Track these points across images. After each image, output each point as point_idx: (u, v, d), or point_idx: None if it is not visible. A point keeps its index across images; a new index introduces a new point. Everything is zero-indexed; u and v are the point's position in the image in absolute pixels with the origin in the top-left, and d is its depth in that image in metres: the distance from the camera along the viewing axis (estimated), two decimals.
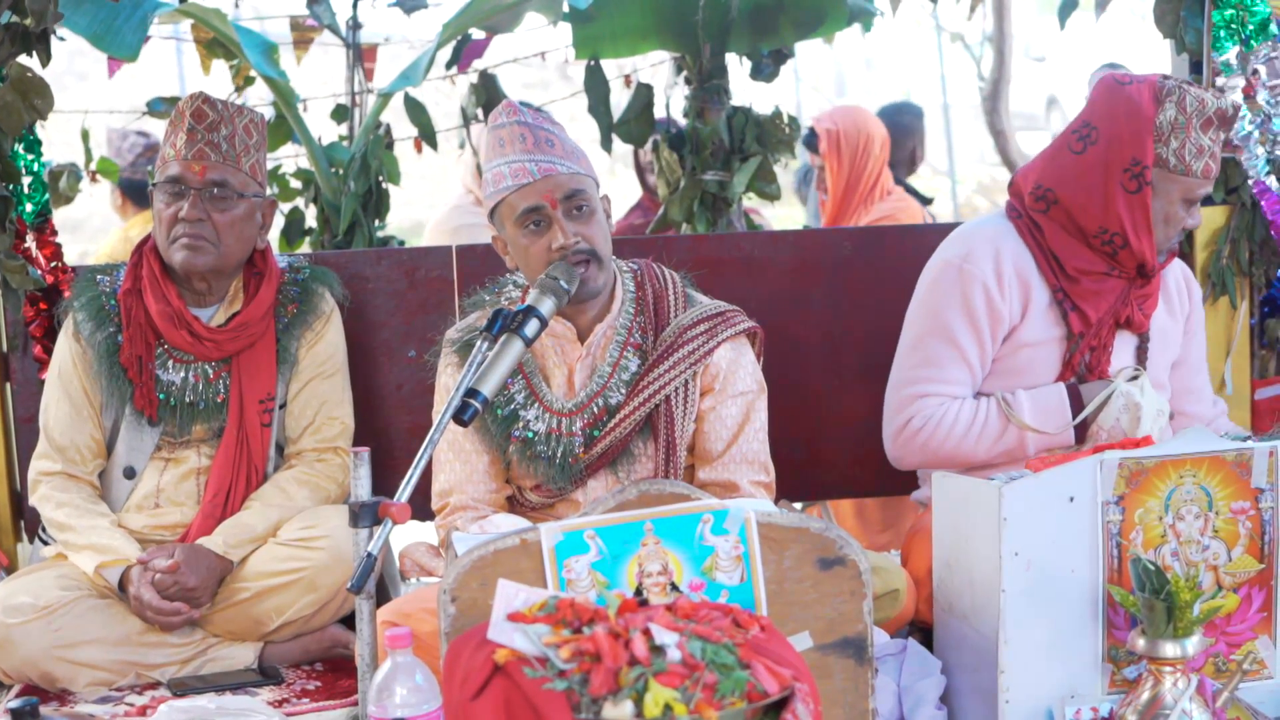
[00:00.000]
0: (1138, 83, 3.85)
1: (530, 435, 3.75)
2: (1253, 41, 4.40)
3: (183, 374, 4.07)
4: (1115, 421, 3.78)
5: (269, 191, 4.20)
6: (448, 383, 3.84)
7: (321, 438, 4.15)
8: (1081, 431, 3.84)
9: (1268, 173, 4.47)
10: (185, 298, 4.09)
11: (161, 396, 4.06)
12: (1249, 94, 4.44)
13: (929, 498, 4.02)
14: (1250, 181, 4.49)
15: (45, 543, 4.13)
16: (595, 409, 3.75)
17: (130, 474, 4.08)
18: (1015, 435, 3.84)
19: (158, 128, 7.09)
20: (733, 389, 3.79)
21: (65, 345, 4.12)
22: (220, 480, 4.05)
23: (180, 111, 4.07)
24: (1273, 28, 4.41)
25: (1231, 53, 4.43)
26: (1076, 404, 3.84)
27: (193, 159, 4.00)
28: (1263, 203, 4.48)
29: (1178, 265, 4.14)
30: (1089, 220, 3.86)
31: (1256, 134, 4.43)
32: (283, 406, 4.16)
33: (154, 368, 4.06)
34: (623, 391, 3.75)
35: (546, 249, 3.64)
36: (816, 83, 17.44)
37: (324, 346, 4.18)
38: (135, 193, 7.27)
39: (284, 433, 4.18)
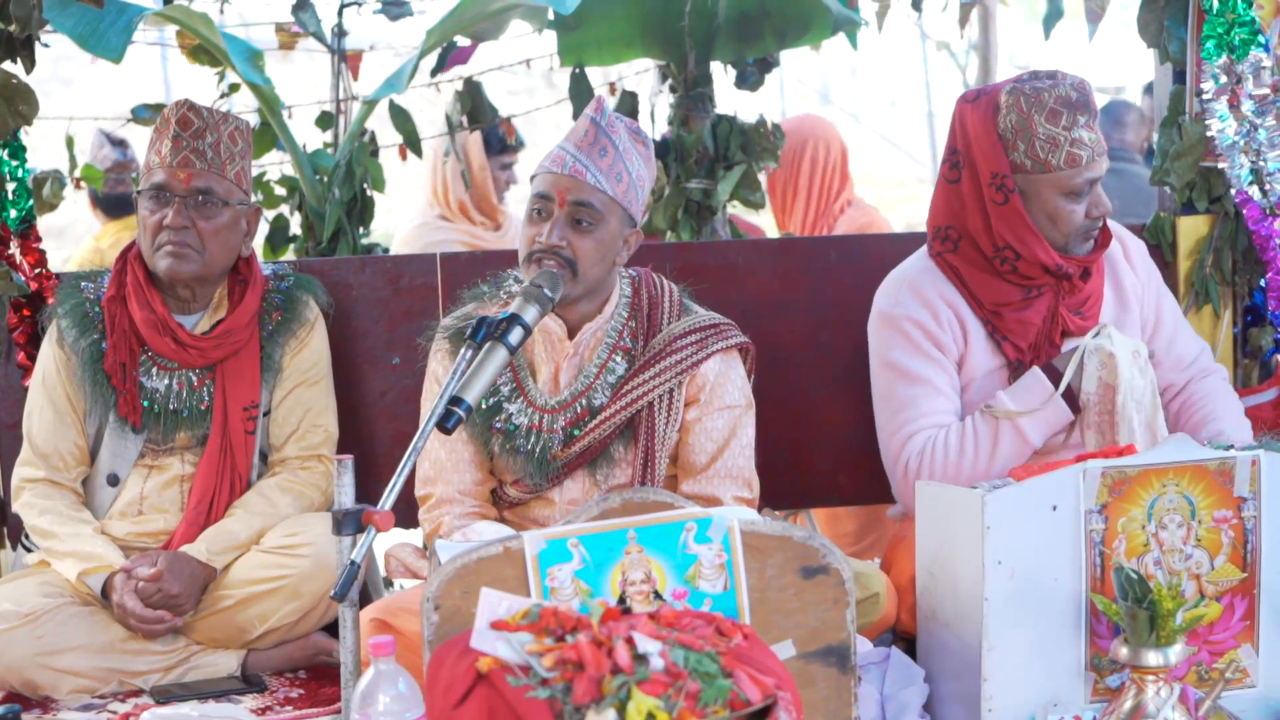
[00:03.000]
0: (983, 95, 3.90)
1: (511, 428, 3.76)
2: (1240, 51, 4.41)
3: (167, 381, 4.07)
4: (1098, 380, 3.74)
5: (254, 199, 4.20)
6: (437, 369, 3.86)
7: (305, 445, 4.15)
8: (1073, 404, 3.80)
9: (1251, 182, 4.47)
10: (169, 305, 4.08)
11: (145, 404, 4.05)
12: (1234, 104, 4.45)
13: (903, 513, 4.05)
14: (1233, 191, 4.50)
15: (29, 549, 4.13)
16: (578, 408, 3.75)
17: (114, 481, 4.08)
18: (1011, 435, 3.79)
19: (141, 136, 7.10)
20: (719, 402, 3.79)
21: (49, 352, 4.11)
22: (204, 487, 4.04)
23: (165, 119, 4.07)
24: (1260, 37, 4.42)
25: (1220, 62, 4.44)
26: (1054, 378, 3.81)
27: (178, 166, 4.00)
28: (1245, 212, 4.49)
29: (1120, 249, 4.08)
30: (985, 243, 3.88)
31: (1241, 143, 4.44)
32: (267, 414, 4.15)
33: (138, 375, 4.05)
34: (607, 393, 3.75)
35: (533, 239, 3.68)
36: (802, 90, 17.47)
37: (308, 354, 4.18)
38: (107, 204, 7.27)
39: (268, 440, 4.17)
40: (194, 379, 4.08)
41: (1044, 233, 3.84)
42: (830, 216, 5.94)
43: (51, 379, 4.09)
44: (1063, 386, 3.77)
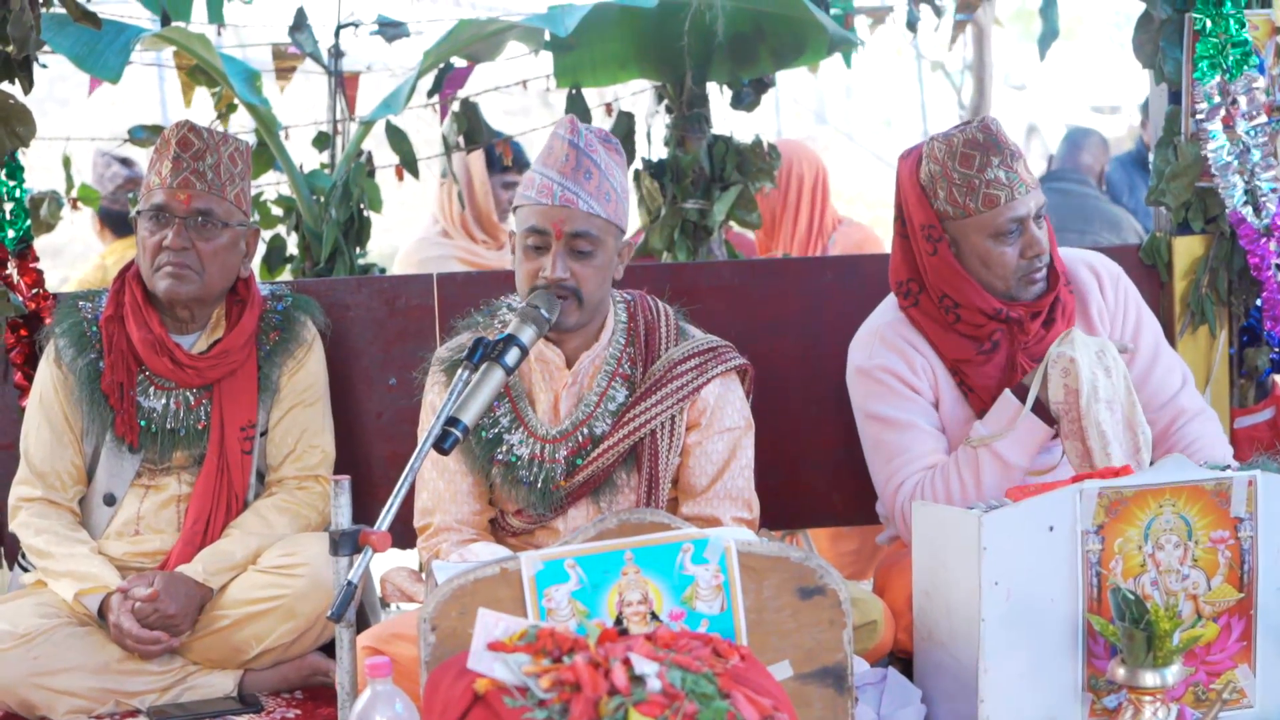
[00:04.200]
0: (914, 150, 3.93)
1: (514, 459, 3.76)
2: (1234, 72, 4.42)
3: (164, 401, 4.07)
4: (1063, 388, 3.69)
5: (252, 219, 4.20)
6: (434, 401, 3.84)
7: (302, 466, 4.15)
8: (1046, 418, 3.76)
9: (1245, 203, 4.49)
10: (167, 324, 4.09)
11: (143, 423, 4.05)
12: (1229, 124, 4.46)
13: (892, 538, 4.06)
14: (1227, 212, 4.51)
15: (25, 569, 4.12)
16: (580, 437, 3.75)
17: (110, 501, 4.07)
18: (991, 462, 3.77)
19: (141, 156, 7.09)
20: (720, 425, 3.79)
21: (46, 371, 4.11)
22: (200, 507, 4.04)
23: (166, 139, 4.07)
24: (1253, 58, 4.43)
25: (1214, 83, 4.45)
26: (1023, 396, 3.78)
27: (178, 188, 4.01)
28: (1239, 232, 4.50)
29: (1094, 279, 4.03)
30: (933, 293, 3.89)
31: (1235, 164, 4.46)
32: (264, 434, 4.15)
33: (135, 394, 4.05)
34: (608, 421, 3.75)
35: (535, 273, 3.66)
36: (797, 110, 17.49)
37: (305, 375, 4.18)
38: (114, 222, 7.27)
39: (264, 460, 4.17)
40: (191, 398, 4.08)
41: (980, 278, 3.84)
42: (824, 235, 5.97)
43: (49, 398, 4.09)
44: (1030, 401, 3.74)
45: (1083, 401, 3.64)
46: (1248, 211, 4.48)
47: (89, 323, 4.12)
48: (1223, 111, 4.47)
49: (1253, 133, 4.44)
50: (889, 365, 3.92)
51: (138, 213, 4.08)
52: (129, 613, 3.85)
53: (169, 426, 4.07)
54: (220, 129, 4.79)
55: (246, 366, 4.12)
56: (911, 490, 3.84)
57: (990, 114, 3.87)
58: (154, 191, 4.04)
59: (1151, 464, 3.62)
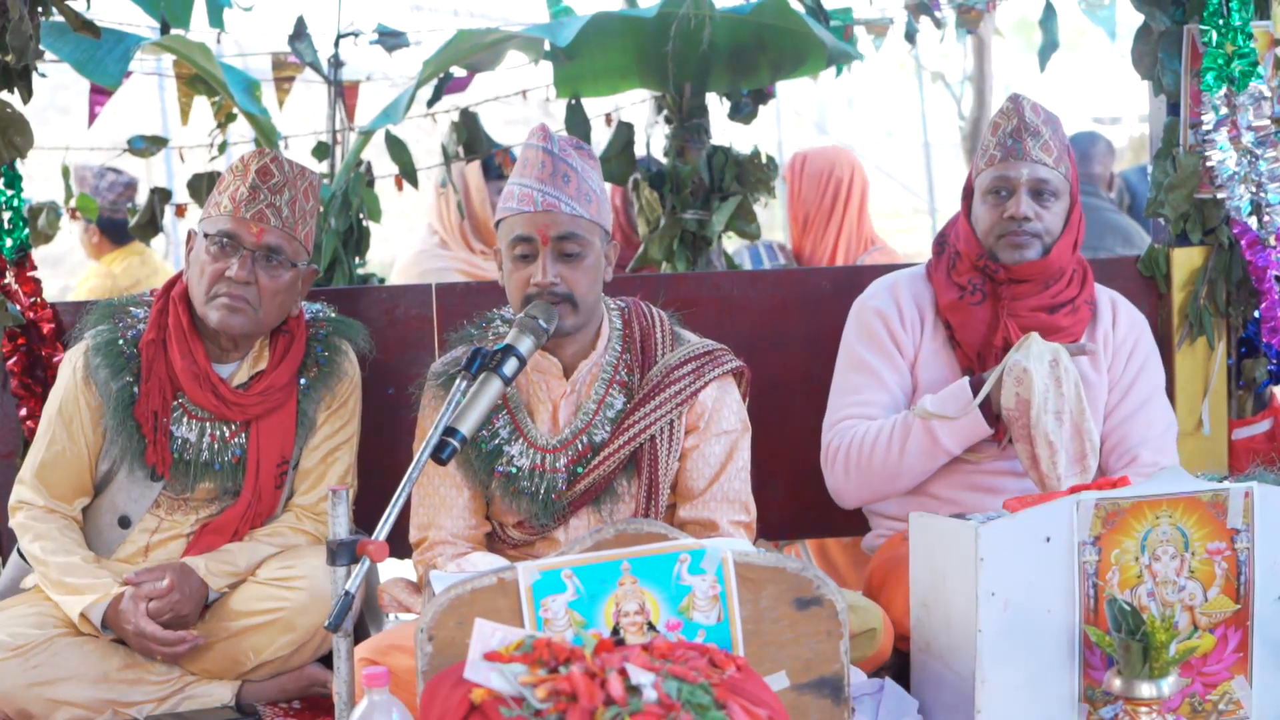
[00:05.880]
0: None
1: (514, 470, 3.75)
2: (1240, 83, 4.43)
3: (198, 431, 3.99)
4: (1015, 396, 3.80)
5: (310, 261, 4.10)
6: (430, 415, 3.83)
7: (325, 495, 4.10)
8: (992, 419, 3.88)
9: (1250, 213, 4.49)
10: (210, 351, 4.00)
11: (175, 453, 3.98)
12: (1234, 134, 4.47)
13: (876, 546, 4.10)
14: (1230, 222, 4.52)
15: (23, 556, 4.07)
16: (579, 446, 3.75)
17: (125, 523, 4.02)
18: (922, 436, 3.91)
19: (134, 166, 7.11)
20: (717, 428, 3.80)
21: (72, 384, 4.00)
22: (221, 534, 4.01)
23: (245, 165, 3.96)
24: (1260, 69, 4.44)
25: (1220, 94, 4.46)
26: (978, 390, 3.90)
27: (251, 219, 3.90)
28: (1242, 242, 4.50)
29: (1110, 310, 4.19)
30: (950, 240, 4.18)
31: (1241, 174, 4.46)
32: (295, 467, 4.12)
33: (168, 423, 3.97)
34: (607, 429, 3.75)
35: (526, 281, 3.66)
36: (800, 120, 17.50)
37: (343, 413, 4.11)
38: (114, 231, 7.27)
39: (290, 488, 4.13)
40: (227, 432, 4.00)
41: (976, 230, 4.08)
42: (859, 248, 5.97)
43: (69, 411, 3.99)
44: (979, 399, 3.85)
45: (1033, 413, 3.78)
46: (1252, 221, 4.49)
47: (127, 342, 4.00)
48: (1228, 123, 4.47)
49: (1259, 143, 4.45)
50: (882, 309, 4.16)
51: (204, 235, 3.94)
52: (147, 617, 3.82)
53: (203, 459, 3.99)
54: (217, 139, 4.78)
55: (287, 404, 4.04)
56: (844, 433, 4.05)
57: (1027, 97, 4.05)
58: (224, 216, 3.92)
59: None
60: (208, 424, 3.99)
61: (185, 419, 3.99)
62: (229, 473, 4.00)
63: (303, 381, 4.07)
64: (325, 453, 4.10)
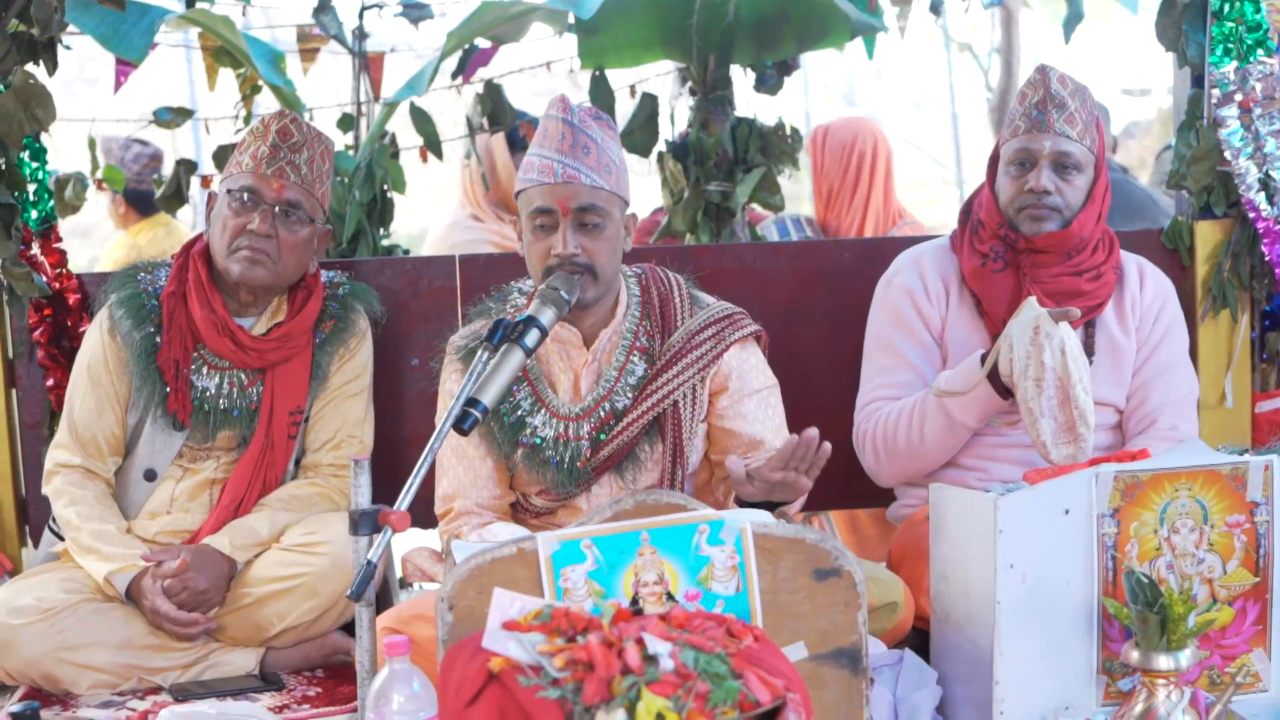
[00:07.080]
0: None
1: (538, 441, 3.77)
2: (1250, 56, 4.41)
3: (217, 380, 4.09)
4: (1008, 362, 3.78)
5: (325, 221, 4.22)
6: (451, 388, 3.85)
7: (340, 454, 4.15)
8: (1003, 390, 3.85)
9: (1259, 190, 4.47)
10: (229, 306, 4.11)
11: (195, 402, 4.08)
12: (1245, 109, 4.45)
13: (902, 517, 4.11)
14: (1242, 198, 4.50)
15: (58, 535, 4.13)
16: (602, 413, 3.77)
17: (151, 476, 4.10)
18: (939, 413, 3.93)
19: (160, 137, 7.13)
20: (749, 386, 3.83)
21: (97, 339, 4.12)
22: (238, 487, 4.06)
23: (265, 125, 4.10)
24: (1270, 42, 4.42)
25: (1229, 68, 4.44)
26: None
27: (272, 175, 4.03)
28: (1253, 217, 4.49)
29: (1137, 276, 4.19)
30: (976, 209, 4.17)
31: (1249, 150, 4.44)
32: (307, 420, 4.18)
33: (189, 372, 4.07)
34: (630, 395, 3.77)
35: (546, 252, 3.68)
36: (827, 91, 17.45)
37: (354, 365, 4.21)
38: (140, 202, 7.30)
39: (303, 445, 4.20)
40: (245, 379, 4.10)
41: (998, 200, 4.08)
42: (887, 223, 5.93)
43: (97, 367, 4.10)
44: (985, 371, 3.83)
45: (1015, 377, 3.77)
46: (1260, 199, 4.47)
47: (148, 295, 4.13)
48: (1239, 96, 4.46)
49: (1267, 119, 4.43)
50: (907, 284, 4.16)
51: (226, 191, 4.07)
52: (163, 596, 3.88)
53: (222, 406, 4.09)
54: (242, 112, 4.81)
55: (303, 353, 4.14)
56: (872, 415, 4.09)
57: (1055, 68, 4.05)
58: (245, 173, 4.05)
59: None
60: (226, 373, 4.10)
61: (205, 369, 4.09)
62: (246, 419, 4.09)
63: (318, 337, 4.17)
64: (337, 401, 4.18)
